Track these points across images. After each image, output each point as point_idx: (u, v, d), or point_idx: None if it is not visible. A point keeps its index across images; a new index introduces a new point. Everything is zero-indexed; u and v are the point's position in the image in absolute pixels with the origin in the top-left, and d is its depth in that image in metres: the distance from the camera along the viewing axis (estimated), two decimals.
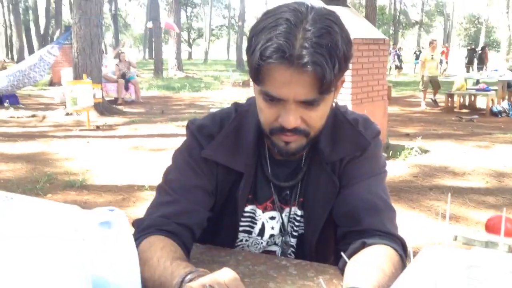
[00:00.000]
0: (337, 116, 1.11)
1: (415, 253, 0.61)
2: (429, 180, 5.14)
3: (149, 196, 4.29)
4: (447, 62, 24.17)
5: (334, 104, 1.09)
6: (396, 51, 24.22)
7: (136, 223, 1.06)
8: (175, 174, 1.11)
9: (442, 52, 21.92)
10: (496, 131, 8.08)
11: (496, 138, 7.45)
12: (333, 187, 1.09)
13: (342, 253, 0.88)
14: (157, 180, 1.14)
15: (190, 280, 0.80)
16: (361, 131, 1.10)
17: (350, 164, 1.09)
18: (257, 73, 0.92)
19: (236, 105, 1.17)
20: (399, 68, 24.42)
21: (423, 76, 11.39)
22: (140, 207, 4.15)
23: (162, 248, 0.95)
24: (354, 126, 1.10)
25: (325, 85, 0.89)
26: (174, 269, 0.86)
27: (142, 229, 1.02)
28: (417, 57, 29.44)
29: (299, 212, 1.14)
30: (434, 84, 11.21)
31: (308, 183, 1.12)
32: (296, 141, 1.00)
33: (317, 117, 0.98)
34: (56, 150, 6.65)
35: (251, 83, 1.01)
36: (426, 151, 6.46)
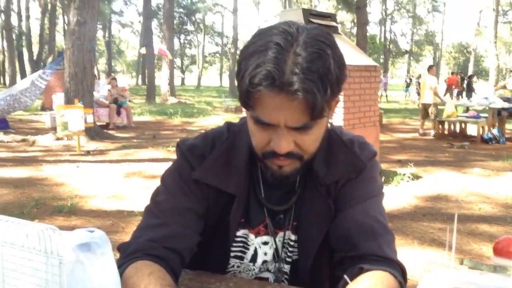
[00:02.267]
0: (332, 137, 1.08)
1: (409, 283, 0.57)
2: (422, 207, 5.11)
3: (139, 222, 4.19)
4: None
5: (329, 125, 1.06)
6: (386, 78, 24.62)
7: (121, 247, 1.00)
8: (164, 196, 1.06)
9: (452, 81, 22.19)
10: (487, 158, 8.10)
11: (488, 165, 7.46)
12: (328, 211, 1.04)
13: (345, 276, 0.83)
14: (146, 204, 1.10)
15: None
16: (357, 152, 1.07)
17: (345, 186, 1.05)
18: (247, 99, 0.88)
19: (228, 125, 1.13)
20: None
21: (424, 104, 11.05)
22: (129, 233, 4.05)
23: (149, 274, 0.89)
24: (350, 148, 1.07)
25: (316, 111, 0.86)
26: None
27: (128, 254, 0.97)
28: (407, 85, 29.82)
29: (292, 237, 1.09)
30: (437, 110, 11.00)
31: (302, 206, 1.07)
32: (289, 165, 0.96)
33: (311, 141, 0.94)
34: (45, 175, 6.56)
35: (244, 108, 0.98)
36: (418, 177, 6.45)
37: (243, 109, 0.97)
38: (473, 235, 4.16)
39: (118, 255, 1.00)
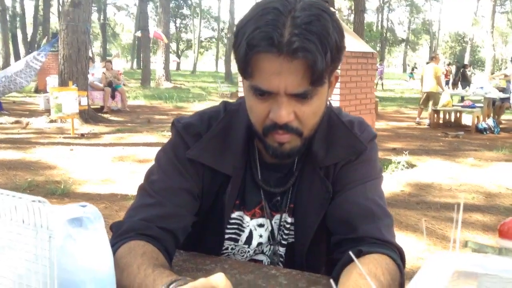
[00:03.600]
0: (332, 118, 1.06)
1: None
2: (416, 195, 5.12)
3: None
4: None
5: (328, 103, 1.03)
6: (383, 66, 24.59)
7: (114, 227, 0.98)
8: (159, 175, 1.03)
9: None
10: (481, 148, 8.11)
11: (482, 155, 7.48)
12: (327, 193, 1.02)
13: (351, 252, 0.81)
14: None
15: None
16: (357, 134, 1.04)
17: (345, 168, 1.03)
18: (245, 66, 0.86)
19: (225, 104, 1.10)
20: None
21: (428, 92, 10.91)
22: (122, 217, 4.03)
23: (142, 254, 0.87)
24: (350, 129, 1.05)
25: (317, 74, 0.83)
26: (156, 277, 0.78)
27: (121, 233, 0.94)
28: (412, 70, 29.73)
29: (289, 220, 1.07)
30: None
31: (300, 188, 1.05)
32: (290, 141, 0.93)
33: (311, 113, 0.91)
34: (39, 157, 6.51)
35: (239, 93, 0.95)
36: (413, 166, 6.45)
37: (239, 89, 0.94)
38: (466, 223, 4.17)
39: (110, 234, 0.98)
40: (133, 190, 4.66)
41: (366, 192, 1.00)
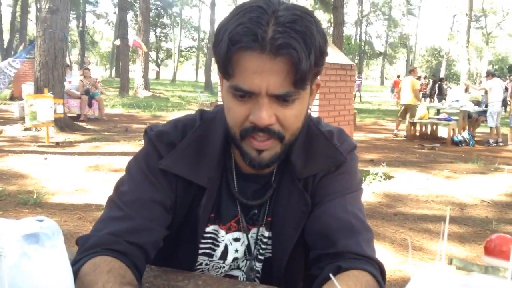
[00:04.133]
0: (311, 128, 1.02)
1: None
2: (393, 206, 5.13)
3: None
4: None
5: (308, 111, 1.00)
6: (361, 79, 24.86)
7: (79, 241, 0.92)
8: (129, 186, 0.98)
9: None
10: (457, 160, 8.22)
11: (457, 167, 7.57)
12: (305, 206, 0.99)
13: (331, 275, 0.78)
14: None
15: None
16: (336, 144, 1.01)
17: (324, 180, 1.00)
18: (226, 64, 0.82)
19: (201, 112, 1.06)
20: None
21: (406, 105, 11.02)
22: None
23: (109, 271, 0.81)
24: (329, 139, 1.01)
25: (300, 73, 0.80)
26: None
27: (86, 248, 0.88)
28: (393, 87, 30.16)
29: (266, 234, 1.03)
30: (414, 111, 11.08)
31: (278, 201, 1.01)
32: (269, 149, 0.89)
33: (292, 117, 0.87)
34: (11, 165, 6.34)
35: (219, 103, 0.92)
36: (390, 177, 6.49)
37: (219, 98, 0.91)
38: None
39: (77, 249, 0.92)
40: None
41: (345, 205, 0.97)
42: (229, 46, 0.80)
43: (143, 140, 1.05)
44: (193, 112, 1.08)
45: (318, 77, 0.92)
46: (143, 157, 1.01)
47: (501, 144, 10.48)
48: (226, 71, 0.83)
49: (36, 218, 0.52)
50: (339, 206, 0.97)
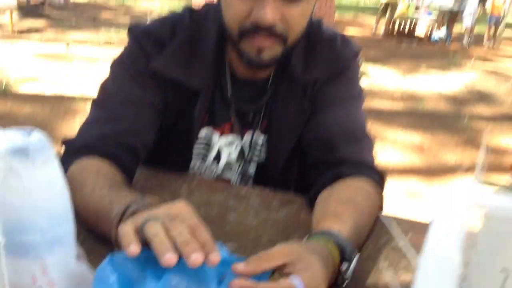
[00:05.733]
0: (313, 31, 0.94)
1: None
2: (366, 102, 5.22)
3: (81, 108, 3.98)
4: None
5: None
6: None
7: (65, 144, 0.86)
8: (114, 87, 0.90)
9: None
10: (434, 57, 8.25)
11: (435, 64, 7.64)
12: (303, 111, 0.93)
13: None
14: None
15: (134, 212, 0.60)
16: (340, 49, 0.94)
17: (325, 86, 0.94)
18: None
19: (189, 10, 0.95)
20: None
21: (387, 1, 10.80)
22: (70, 121, 3.84)
23: (97, 173, 0.77)
24: (332, 44, 0.94)
25: None
26: (113, 198, 0.68)
27: (73, 151, 0.82)
28: None
29: (261, 137, 0.98)
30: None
31: (275, 106, 0.95)
32: (270, 49, 0.82)
33: (298, 17, 0.80)
34: None
35: None
36: (362, 74, 6.49)
37: None
38: (391, 124, 4.53)
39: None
40: (80, 92, 4.41)
41: (347, 112, 0.93)
42: None
43: (127, 37, 0.95)
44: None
45: None
46: (128, 56, 0.92)
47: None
48: None
49: (22, 131, 0.45)
50: (341, 113, 0.92)
